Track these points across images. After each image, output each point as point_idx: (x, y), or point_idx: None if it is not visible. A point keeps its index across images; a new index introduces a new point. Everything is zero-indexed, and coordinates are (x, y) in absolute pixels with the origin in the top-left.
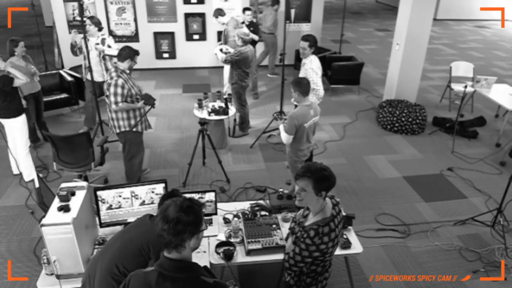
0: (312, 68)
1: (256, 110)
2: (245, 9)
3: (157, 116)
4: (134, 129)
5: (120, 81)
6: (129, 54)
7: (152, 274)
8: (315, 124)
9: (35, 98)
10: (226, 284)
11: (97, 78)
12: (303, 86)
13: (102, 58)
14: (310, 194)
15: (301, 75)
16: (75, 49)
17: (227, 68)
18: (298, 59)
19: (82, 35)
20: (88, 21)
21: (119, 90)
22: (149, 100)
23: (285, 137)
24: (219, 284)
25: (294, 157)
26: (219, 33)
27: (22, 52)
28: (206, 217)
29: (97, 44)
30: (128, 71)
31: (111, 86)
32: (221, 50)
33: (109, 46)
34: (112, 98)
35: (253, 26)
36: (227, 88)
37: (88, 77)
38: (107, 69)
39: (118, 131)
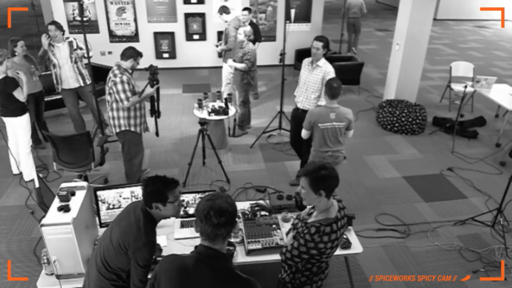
0: (332, 70)
1: (256, 110)
2: (243, 9)
3: None
4: (133, 129)
5: (124, 78)
6: (132, 53)
7: (189, 258)
8: (338, 131)
9: (35, 99)
10: (256, 283)
11: (72, 84)
12: (331, 89)
13: (74, 62)
14: (308, 193)
15: (312, 77)
16: (46, 57)
17: (225, 68)
18: (298, 59)
19: (50, 47)
20: (52, 27)
21: (126, 86)
22: (152, 67)
23: (303, 131)
24: (250, 281)
25: (315, 158)
26: (219, 33)
27: (23, 51)
28: None
29: (75, 49)
30: (130, 71)
31: (118, 84)
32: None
33: (80, 48)
34: (123, 95)
35: (253, 27)
36: (224, 88)
37: (64, 86)
38: (80, 73)
39: (118, 130)
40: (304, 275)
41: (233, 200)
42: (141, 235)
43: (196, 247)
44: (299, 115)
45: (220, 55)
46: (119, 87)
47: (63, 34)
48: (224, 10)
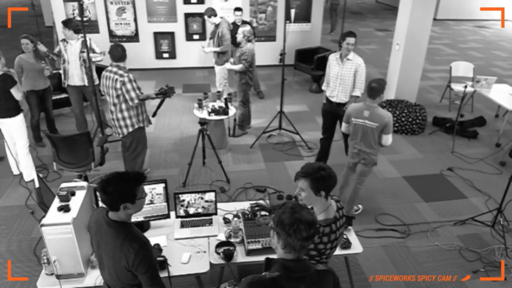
0: (362, 61)
1: (256, 110)
2: (235, 9)
3: (157, 116)
4: (141, 125)
5: (131, 76)
6: (122, 53)
7: (282, 279)
8: (370, 132)
9: (39, 96)
10: (330, 268)
11: (77, 82)
12: (369, 89)
13: (82, 62)
14: (309, 194)
15: (345, 71)
16: (50, 56)
17: (219, 71)
18: (298, 59)
19: (64, 43)
20: (62, 26)
21: (134, 84)
22: (172, 90)
23: (342, 124)
24: (328, 270)
25: (350, 149)
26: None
27: (27, 49)
28: (205, 217)
29: (82, 52)
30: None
31: (127, 83)
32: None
33: (93, 51)
34: (133, 94)
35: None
36: (223, 88)
37: (70, 82)
38: (86, 73)
39: (131, 129)
40: None
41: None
42: (128, 248)
43: (268, 261)
44: (333, 109)
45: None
46: (129, 86)
47: (77, 33)
48: (212, 12)
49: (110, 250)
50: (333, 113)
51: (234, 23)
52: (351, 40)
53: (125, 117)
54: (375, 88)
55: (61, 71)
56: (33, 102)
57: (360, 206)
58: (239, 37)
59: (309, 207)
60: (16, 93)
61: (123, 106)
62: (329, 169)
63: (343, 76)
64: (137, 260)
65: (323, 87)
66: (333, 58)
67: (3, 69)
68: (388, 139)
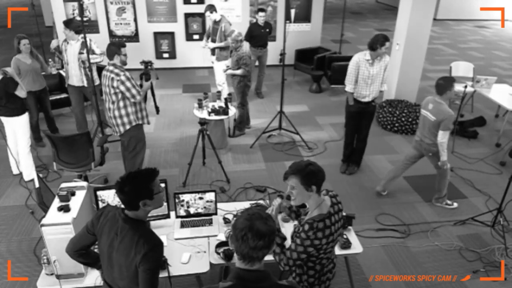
0: (389, 58)
1: (256, 110)
2: (259, 10)
3: (157, 116)
4: (140, 122)
5: (127, 74)
6: (114, 50)
7: None
8: (429, 124)
9: (36, 96)
10: (297, 285)
11: (78, 82)
12: (435, 86)
13: (81, 63)
14: (300, 191)
15: (377, 70)
16: (55, 54)
17: (219, 66)
18: (298, 59)
19: (60, 40)
20: (62, 27)
21: (133, 81)
22: (148, 66)
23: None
24: (291, 286)
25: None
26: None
27: (26, 49)
28: (205, 217)
29: (81, 53)
30: (123, 66)
31: (126, 82)
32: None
33: (93, 52)
34: (134, 91)
35: (268, 27)
36: (221, 86)
37: (70, 82)
38: (86, 74)
39: (128, 127)
40: (311, 276)
41: (274, 221)
42: (143, 244)
43: (225, 269)
44: (362, 108)
45: (213, 52)
46: (128, 84)
47: (78, 34)
48: (213, 8)
49: (125, 247)
50: (360, 112)
51: (256, 23)
52: (388, 43)
53: (122, 115)
54: (441, 84)
55: (61, 71)
56: (31, 103)
57: (455, 204)
58: (233, 45)
59: (303, 204)
60: (20, 92)
61: (121, 103)
62: (317, 164)
63: (374, 76)
64: (146, 255)
65: (349, 89)
66: (361, 60)
67: (1, 72)
68: (442, 135)
